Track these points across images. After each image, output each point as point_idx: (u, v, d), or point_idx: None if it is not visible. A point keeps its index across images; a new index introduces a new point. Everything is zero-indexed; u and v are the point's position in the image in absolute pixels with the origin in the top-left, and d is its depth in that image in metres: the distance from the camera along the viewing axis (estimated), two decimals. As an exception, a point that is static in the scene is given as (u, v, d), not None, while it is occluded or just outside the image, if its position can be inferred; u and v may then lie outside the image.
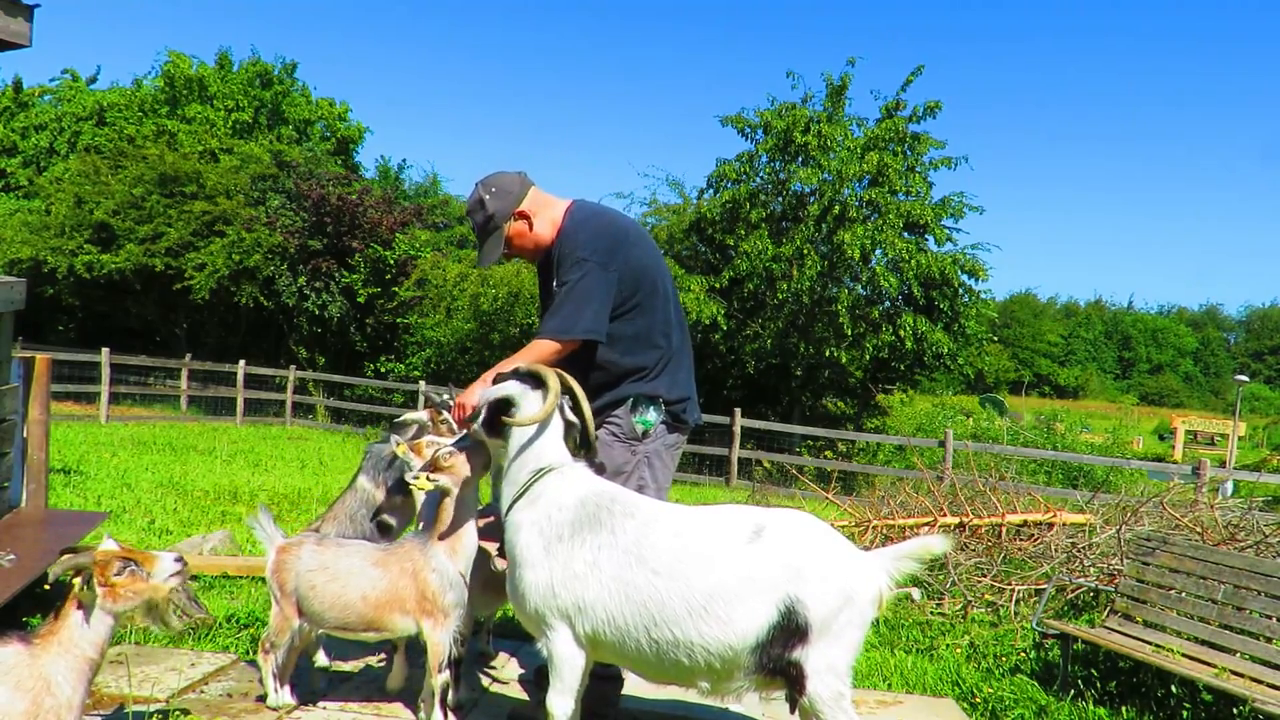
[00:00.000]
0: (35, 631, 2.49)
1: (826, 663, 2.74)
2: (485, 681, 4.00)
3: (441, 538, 3.25)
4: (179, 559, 2.63)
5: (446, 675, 3.25)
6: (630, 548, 2.85)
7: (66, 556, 2.50)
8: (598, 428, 3.43)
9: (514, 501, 3.03)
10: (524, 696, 3.84)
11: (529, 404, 3.05)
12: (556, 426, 3.08)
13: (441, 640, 3.24)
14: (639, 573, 2.81)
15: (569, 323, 3.27)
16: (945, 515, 7.15)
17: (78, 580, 2.47)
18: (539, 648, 2.99)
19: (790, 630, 2.72)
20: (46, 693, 2.37)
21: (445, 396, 3.93)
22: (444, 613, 3.24)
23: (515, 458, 3.06)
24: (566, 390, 3.11)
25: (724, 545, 2.82)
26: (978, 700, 4.39)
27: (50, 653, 2.42)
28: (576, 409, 3.11)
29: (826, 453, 17.80)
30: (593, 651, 2.95)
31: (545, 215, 3.49)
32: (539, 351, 3.26)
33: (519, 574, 2.97)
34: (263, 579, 5.35)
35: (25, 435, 4.86)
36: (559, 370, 3.12)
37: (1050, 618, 5.28)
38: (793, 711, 2.87)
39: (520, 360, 3.21)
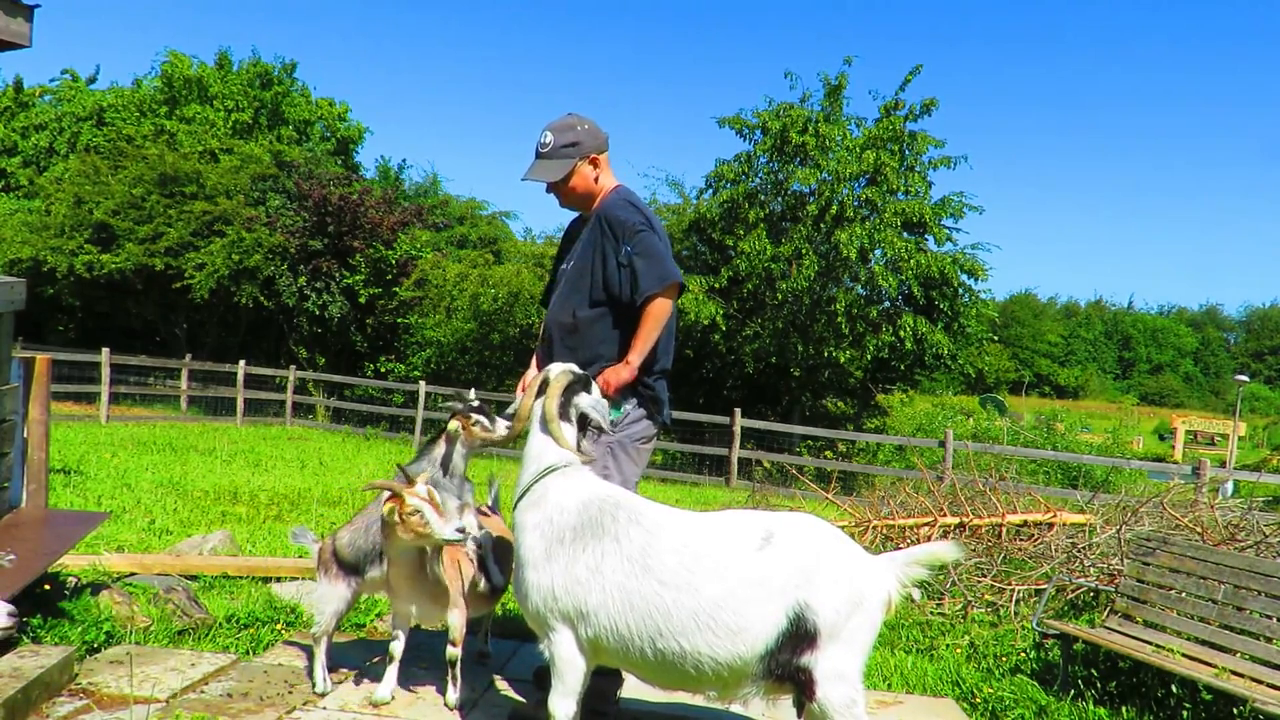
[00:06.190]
0: None
1: (837, 668, 2.71)
2: (485, 682, 4.00)
3: None
4: (13, 614, 2.52)
5: None
6: (635, 556, 2.81)
7: None
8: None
9: (519, 500, 3.04)
10: (523, 697, 3.84)
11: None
12: (564, 427, 3.06)
13: None
14: (645, 582, 2.77)
15: (668, 269, 3.39)
16: (945, 515, 7.14)
17: None
18: (541, 649, 2.98)
19: (800, 636, 2.69)
20: None
21: (471, 401, 3.84)
22: None
23: (526, 456, 3.11)
24: (579, 386, 3.12)
25: (733, 553, 2.77)
26: (978, 700, 4.38)
27: None
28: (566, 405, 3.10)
29: (826, 453, 17.79)
30: (597, 657, 2.93)
31: (606, 178, 3.65)
32: (661, 311, 3.35)
33: (522, 575, 2.97)
34: (263, 579, 5.40)
35: (25, 435, 4.85)
36: (564, 371, 3.12)
37: (1050, 618, 5.28)
38: (800, 716, 2.84)
39: (646, 329, 3.33)
